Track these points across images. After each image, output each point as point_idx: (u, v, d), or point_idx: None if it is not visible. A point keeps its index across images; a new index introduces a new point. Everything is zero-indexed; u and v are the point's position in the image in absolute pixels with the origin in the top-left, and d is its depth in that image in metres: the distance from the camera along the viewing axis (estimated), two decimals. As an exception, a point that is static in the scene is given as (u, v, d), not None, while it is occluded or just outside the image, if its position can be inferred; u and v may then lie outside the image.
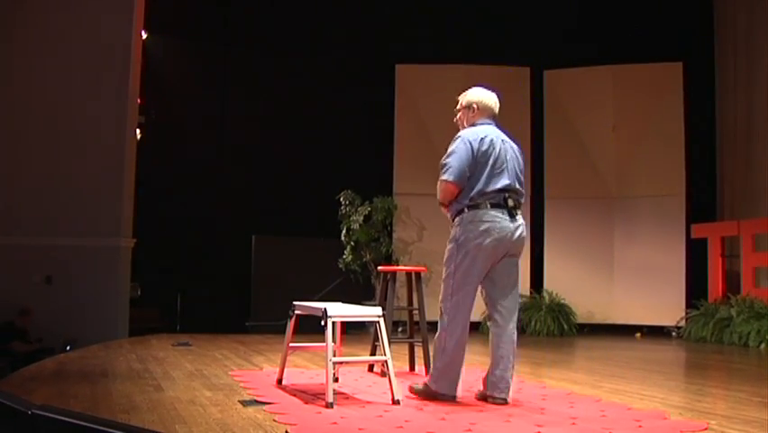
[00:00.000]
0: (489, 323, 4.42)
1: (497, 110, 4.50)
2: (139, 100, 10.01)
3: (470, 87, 4.66)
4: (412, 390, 4.41)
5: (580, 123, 10.85)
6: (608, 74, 10.78)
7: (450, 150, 4.26)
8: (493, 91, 4.59)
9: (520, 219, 4.31)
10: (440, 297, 4.29)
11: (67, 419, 2.06)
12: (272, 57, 11.19)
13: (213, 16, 11.30)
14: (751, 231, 9.50)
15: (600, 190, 10.74)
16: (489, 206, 4.19)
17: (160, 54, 10.58)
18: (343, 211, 10.45)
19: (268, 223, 10.75)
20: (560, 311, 10.02)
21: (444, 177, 4.24)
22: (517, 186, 4.32)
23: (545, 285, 10.51)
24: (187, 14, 10.85)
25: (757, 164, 10.15)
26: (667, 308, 10.01)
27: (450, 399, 4.24)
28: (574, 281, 10.38)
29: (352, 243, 10.39)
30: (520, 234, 4.28)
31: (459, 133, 4.35)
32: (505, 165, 4.27)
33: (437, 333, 4.28)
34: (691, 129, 10.44)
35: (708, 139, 11.02)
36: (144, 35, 10.07)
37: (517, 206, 4.31)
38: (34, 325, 8.70)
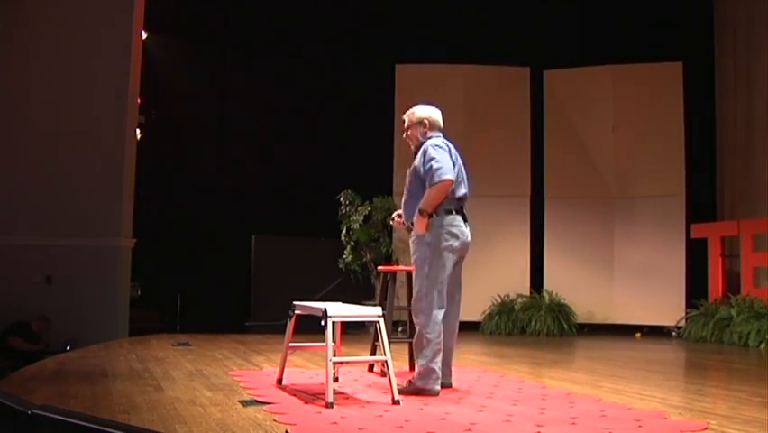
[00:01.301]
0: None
1: (442, 124, 4.83)
2: (139, 100, 10.01)
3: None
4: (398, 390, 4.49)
5: (580, 123, 10.84)
6: (608, 74, 10.77)
7: (431, 156, 4.49)
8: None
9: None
10: (413, 299, 4.58)
11: (67, 419, 2.06)
12: (272, 57, 11.19)
13: (213, 16, 11.30)
14: (751, 231, 9.50)
15: (600, 190, 10.73)
16: (454, 211, 4.57)
17: (160, 54, 10.58)
18: (343, 211, 10.45)
19: (268, 223, 10.75)
20: (560, 311, 10.02)
21: (445, 177, 4.42)
22: (468, 194, 4.74)
23: (545, 285, 10.50)
24: (187, 14, 10.85)
25: (757, 164, 10.15)
26: (667, 307, 10.00)
27: (434, 393, 4.44)
28: (574, 281, 10.37)
29: (352, 243, 10.38)
30: (469, 238, 4.70)
31: (426, 144, 4.61)
32: (462, 175, 4.68)
33: (416, 333, 4.53)
34: (691, 129, 10.43)
35: (708, 139, 11.01)
36: (144, 35, 10.07)
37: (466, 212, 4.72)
38: (48, 332, 8.71)
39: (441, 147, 4.57)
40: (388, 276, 5.65)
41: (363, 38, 11.07)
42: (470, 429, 3.49)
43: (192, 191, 10.96)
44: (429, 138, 4.71)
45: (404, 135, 4.90)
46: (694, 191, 10.41)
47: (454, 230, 4.53)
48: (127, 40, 9.59)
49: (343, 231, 10.40)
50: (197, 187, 11.02)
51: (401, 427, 3.53)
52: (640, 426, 3.60)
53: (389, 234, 10.63)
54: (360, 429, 3.45)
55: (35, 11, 9.43)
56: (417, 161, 4.61)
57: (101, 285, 9.22)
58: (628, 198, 10.60)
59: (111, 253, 9.34)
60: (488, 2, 11.14)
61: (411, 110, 4.89)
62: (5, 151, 9.29)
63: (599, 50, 10.83)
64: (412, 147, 4.86)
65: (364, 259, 10.41)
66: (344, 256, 10.40)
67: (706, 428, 3.59)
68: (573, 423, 3.65)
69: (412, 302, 4.60)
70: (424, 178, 4.51)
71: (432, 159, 4.48)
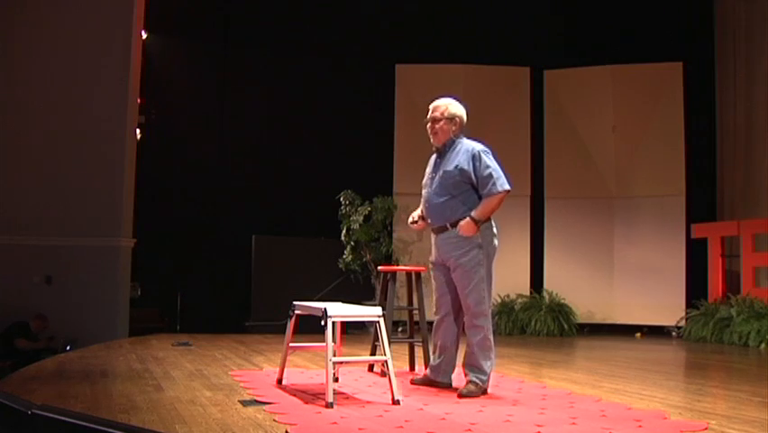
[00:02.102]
0: (443, 317, 4.76)
1: None
2: (139, 100, 10.01)
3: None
4: (462, 396, 4.42)
5: (580, 123, 10.84)
6: (608, 74, 10.76)
7: (487, 164, 4.50)
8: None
9: None
10: (472, 304, 4.49)
11: (67, 419, 2.06)
12: (272, 57, 11.19)
13: (213, 16, 11.30)
14: (751, 231, 9.50)
15: (600, 190, 10.73)
16: None
17: (160, 54, 10.58)
18: (343, 211, 10.45)
19: (268, 223, 10.75)
20: (560, 311, 10.01)
21: (506, 187, 4.48)
22: None
23: (545, 285, 10.50)
24: (187, 14, 10.85)
25: (757, 164, 10.15)
26: (667, 307, 10.00)
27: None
28: (574, 281, 10.37)
29: (352, 243, 10.38)
30: None
31: (474, 148, 4.56)
32: None
33: (480, 336, 4.50)
34: (691, 129, 10.43)
35: (708, 139, 11.01)
36: (144, 35, 10.07)
37: None
38: (46, 330, 8.73)
39: (490, 153, 4.57)
40: (388, 276, 5.65)
41: (363, 38, 11.06)
42: (470, 429, 3.49)
43: (192, 191, 10.96)
44: (459, 138, 4.65)
45: (428, 125, 4.68)
46: (694, 191, 10.41)
47: (495, 229, 4.60)
48: (127, 40, 9.59)
49: (343, 231, 10.40)
50: (197, 187, 11.02)
51: (401, 427, 3.53)
52: (640, 426, 3.60)
53: (389, 235, 10.64)
54: (360, 429, 3.45)
55: (35, 11, 9.42)
56: (466, 164, 4.51)
57: (101, 285, 9.22)
58: (628, 197, 10.60)
59: (111, 253, 9.34)
60: (487, 2, 11.14)
61: (444, 102, 4.72)
62: (6, 151, 9.29)
63: (599, 50, 10.82)
64: (435, 141, 4.68)
65: (364, 259, 10.41)
66: (344, 256, 10.40)
67: (706, 428, 3.59)
68: (573, 423, 3.66)
69: (470, 308, 4.49)
70: (476, 183, 4.50)
71: (489, 166, 4.48)
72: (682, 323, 9.71)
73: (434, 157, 4.76)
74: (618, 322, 10.32)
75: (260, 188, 11.05)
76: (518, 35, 10.94)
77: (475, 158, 4.50)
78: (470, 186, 4.52)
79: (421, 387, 4.79)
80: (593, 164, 10.77)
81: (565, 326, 9.91)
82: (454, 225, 4.51)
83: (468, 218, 4.45)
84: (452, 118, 4.63)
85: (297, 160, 11.07)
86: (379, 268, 5.95)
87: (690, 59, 10.53)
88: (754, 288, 9.29)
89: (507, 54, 10.84)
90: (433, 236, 4.72)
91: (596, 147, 10.77)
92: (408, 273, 5.72)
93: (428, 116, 4.70)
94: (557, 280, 10.45)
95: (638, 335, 9.96)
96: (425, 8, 11.11)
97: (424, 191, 4.76)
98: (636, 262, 10.38)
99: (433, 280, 4.81)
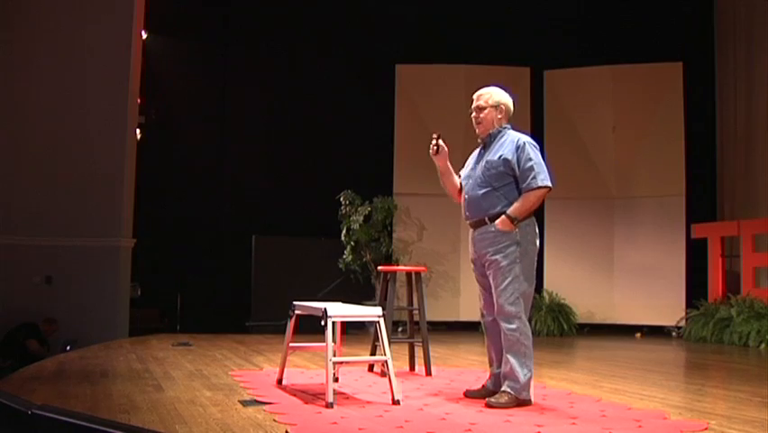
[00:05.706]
0: (492, 321, 4.38)
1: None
2: (139, 100, 10.02)
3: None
4: (490, 405, 4.07)
5: (580, 123, 10.84)
6: (608, 74, 10.76)
7: (530, 156, 4.24)
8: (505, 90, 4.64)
9: None
10: (503, 303, 4.14)
11: (67, 419, 2.06)
12: (272, 57, 11.20)
13: (213, 16, 11.31)
14: (751, 231, 9.50)
15: (600, 190, 10.73)
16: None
17: (160, 54, 10.58)
18: (343, 211, 10.45)
19: (268, 223, 10.75)
20: (560, 311, 10.02)
21: (547, 183, 4.22)
22: None
23: (545, 285, 10.49)
24: (187, 14, 10.85)
25: (757, 164, 10.15)
26: (667, 307, 10.00)
27: (531, 403, 4.16)
28: (574, 281, 10.37)
29: (352, 243, 10.39)
30: None
31: (521, 139, 4.31)
32: None
33: (512, 340, 4.12)
34: (691, 129, 10.43)
35: (708, 139, 11.01)
36: (144, 35, 10.08)
37: None
38: (55, 334, 8.73)
39: (536, 147, 4.32)
40: (388, 276, 5.65)
41: (363, 38, 11.07)
42: (470, 429, 3.49)
43: (192, 191, 10.97)
44: (505, 128, 4.42)
45: (472, 115, 4.45)
46: (694, 191, 10.41)
47: (536, 228, 4.31)
48: (127, 40, 9.60)
49: (343, 231, 10.41)
50: (197, 187, 11.03)
51: (401, 427, 3.53)
52: (640, 426, 3.60)
53: (389, 235, 10.64)
54: (360, 429, 3.45)
55: (35, 11, 9.43)
56: (510, 154, 4.24)
57: (101, 285, 9.23)
58: (628, 198, 10.59)
59: (111, 253, 9.35)
60: (488, 2, 11.14)
61: (487, 90, 4.48)
62: (6, 151, 9.29)
63: (599, 50, 10.82)
64: (479, 130, 4.43)
65: (364, 259, 10.41)
66: (344, 256, 10.41)
67: (706, 428, 3.59)
68: (573, 423, 3.66)
69: (502, 308, 4.14)
70: (518, 176, 4.23)
71: (531, 159, 4.21)
72: (682, 323, 9.72)
73: (477, 150, 4.51)
74: (618, 322, 10.32)
75: (260, 188, 11.06)
76: (518, 35, 10.94)
77: (519, 148, 4.25)
78: (513, 179, 4.24)
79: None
80: (593, 164, 10.76)
81: (565, 326, 9.91)
82: (493, 219, 4.21)
83: (505, 216, 4.16)
84: (496, 105, 4.41)
85: (297, 160, 11.07)
86: (379, 268, 5.95)
87: (690, 60, 10.53)
88: (754, 288, 9.29)
89: (507, 54, 10.84)
90: (470, 232, 4.40)
91: (596, 147, 10.77)
92: (408, 273, 5.72)
93: (472, 106, 4.46)
94: (557, 281, 10.44)
95: (638, 335, 9.96)
96: (425, 8, 11.11)
97: (464, 183, 4.46)
98: (636, 263, 10.38)
99: (475, 281, 4.46)
